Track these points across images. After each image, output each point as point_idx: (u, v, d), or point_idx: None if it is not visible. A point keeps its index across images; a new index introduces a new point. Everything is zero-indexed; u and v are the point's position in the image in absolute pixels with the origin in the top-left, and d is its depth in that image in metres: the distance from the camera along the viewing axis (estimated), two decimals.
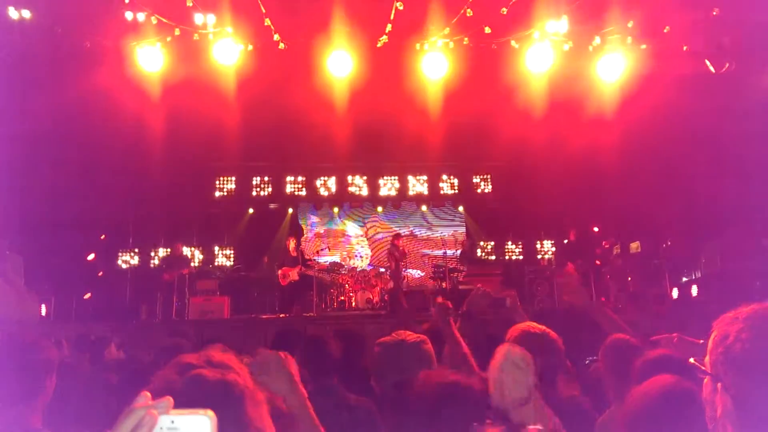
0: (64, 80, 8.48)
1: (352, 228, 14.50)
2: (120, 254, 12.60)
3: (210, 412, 0.83)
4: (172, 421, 0.80)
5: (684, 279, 11.14)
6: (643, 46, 8.58)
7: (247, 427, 1.03)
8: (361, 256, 14.27)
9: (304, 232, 14.24)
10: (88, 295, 10.62)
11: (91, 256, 11.46)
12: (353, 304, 11.81)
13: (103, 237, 11.75)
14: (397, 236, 11.40)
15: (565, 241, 12.65)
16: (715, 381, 1.17)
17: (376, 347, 2.16)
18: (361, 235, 14.50)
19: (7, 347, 2.23)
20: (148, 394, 0.83)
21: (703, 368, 1.21)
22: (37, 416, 2.08)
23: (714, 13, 8.09)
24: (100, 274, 11.59)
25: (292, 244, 10.81)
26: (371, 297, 11.77)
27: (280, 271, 10.56)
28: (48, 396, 2.19)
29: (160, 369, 1.10)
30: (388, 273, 12.70)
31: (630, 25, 8.27)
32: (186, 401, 0.89)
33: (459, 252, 12.27)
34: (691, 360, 1.28)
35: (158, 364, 2.99)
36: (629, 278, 11.50)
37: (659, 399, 1.63)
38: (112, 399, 2.00)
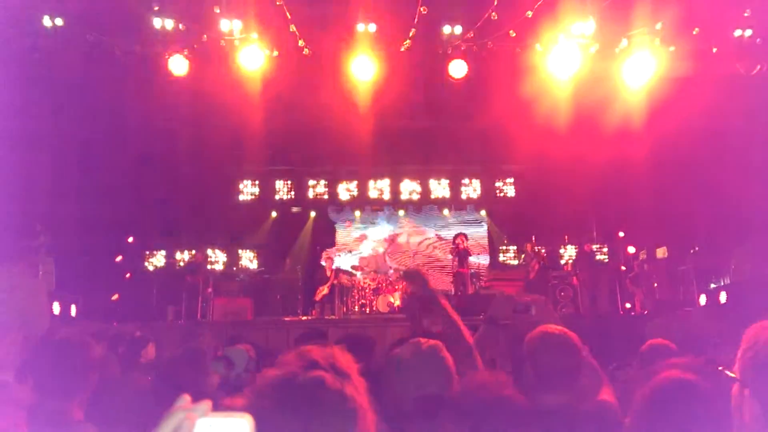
0: (94, 86, 8.69)
1: (373, 231, 14.53)
2: (146, 256, 12.82)
3: (247, 416, 0.82)
4: (210, 425, 0.81)
5: (712, 285, 10.88)
6: (672, 48, 8.44)
7: None
8: (382, 260, 14.28)
9: (334, 235, 14.35)
10: (115, 296, 10.82)
11: (118, 258, 11.68)
12: (375, 307, 11.82)
13: (130, 239, 11.98)
14: (459, 235, 11.39)
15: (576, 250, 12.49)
16: (743, 387, 1.17)
17: (389, 354, 2.13)
18: (385, 239, 14.52)
19: (53, 346, 2.30)
20: (188, 397, 0.84)
21: (732, 375, 1.21)
22: (78, 410, 2.15)
23: (746, 14, 7.92)
24: (128, 275, 11.80)
25: (328, 263, 11.41)
26: (393, 301, 11.77)
27: (318, 290, 11.33)
28: (89, 391, 2.25)
29: (188, 371, 1.10)
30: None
31: (658, 26, 8.14)
32: (301, 399, 0.95)
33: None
34: (720, 368, 1.27)
35: (183, 366, 3.04)
36: (655, 284, 11.30)
37: (654, 394, 1.64)
38: (148, 399, 2.05)
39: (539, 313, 2.73)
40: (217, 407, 0.84)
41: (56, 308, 8.07)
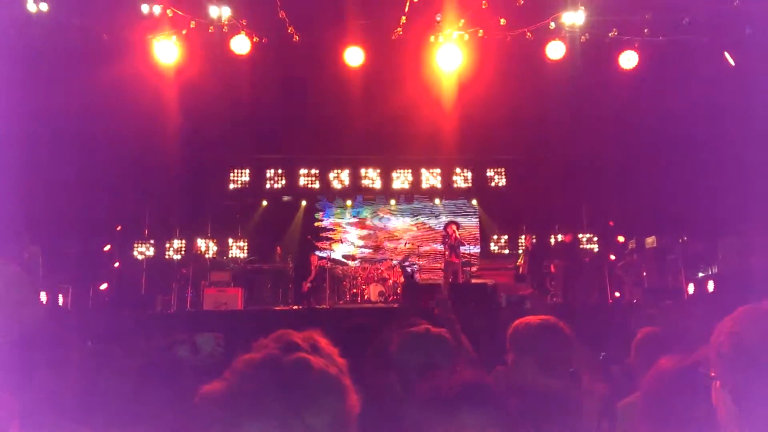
0: (81, 73, 8.56)
1: (366, 220, 14.53)
2: (135, 245, 12.73)
3: None
4: None
5: (700, 275, 10.99)
6: (661, 38, 8.44)
7: (346, 425, 1.03)
8: (375, 249, 14.29)
9: (320, 224, 14.33)
10: (104, 286, 10.75)
11: (107, 247, 11.59)
12: (366, 296, 11.84)
13: (119, 228, 11.88)
14: (450, 224, 11.37)
15: (559, 239, 12.52)
16: (715, 380, 1.18)
17: (397, 335, 2.18)
18: (379, 226, 14.52)
19: (31, 338, 2.28)
20: None
21: (711, 374, 1.22)
22: (60, 403, 2.11)
23: (735, 3, 7.92)
24: (116, 265, 11.72)
25: (312, 258, 11.67)
26: (384, 290, 11.79)
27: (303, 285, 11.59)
28: (69, 384, 2.22)
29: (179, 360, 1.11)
30: (404, 266, 12.71)
31: (648, 16, 8.14)
32: (287, 380, 0.94)
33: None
34: (701, 370, 1.29)
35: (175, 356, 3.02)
36: (644, 273, 11.40)
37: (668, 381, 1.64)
38: (136, 390, 2.04)
39: (533, 305, 2.76)
40: (191, 392, 0.84)
41: (43, 298, 8.01)
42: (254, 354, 1.04)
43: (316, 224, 14.28)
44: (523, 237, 12.35)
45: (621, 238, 12.13)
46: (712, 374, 1.21)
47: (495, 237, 14.10)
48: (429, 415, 1.45)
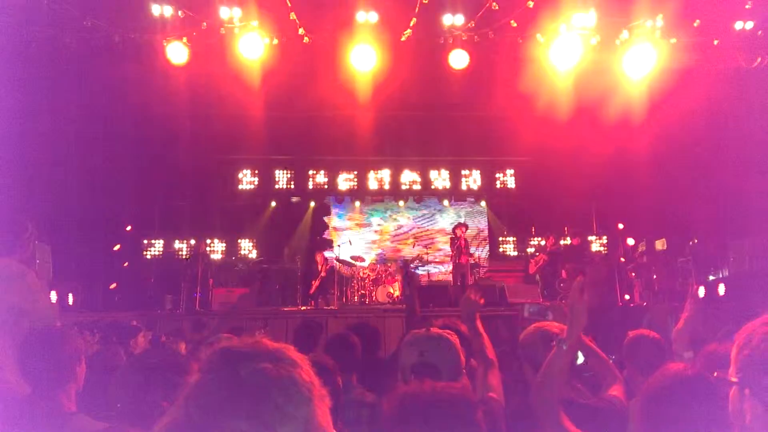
0: (92, 74, 8.62)
1: (375, 221, 14.52)
2: (145, 245, 12.80)
3: None
4: None
5: (711, 277, 10.89)
6: (673, 40, 8.38)
7: (317, 428, 0.96)
8: (383, 250, 14.29)
9: (328, 225, 14.34)
10: (113, 285, 10.82)
11: (116, 247, 11.66)
12: (374, 298, 11.83)
13: (128, 228, 11.95)
14: (458, 225, 11.33)
15: (565, 243, 12.41)
16: (743, 387, 1.14)
17: (406, 337, 2.18)
18: (384, 229, 14.51)
19: (39, 338, 2.30)
20: None
21: (731, 379, 1.19)
22: (71, 401, 2.14)
23: (747, 6, 7.87)
24: (126, 264, 11.78)
25: (319, 258, 11.53)
26: (392, 291, 11.77)
27: (312, 284, 11.53)
28: (79, 382, 2.26)
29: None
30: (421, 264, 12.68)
31: (659, 18, 8.09)
32: (249, 395, 0.89)
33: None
34: (715, 374, 1.25)
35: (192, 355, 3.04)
36: (654, 276, 11.31)
37: (672, 386, 1.63)
38: (142, 388, 2.06)
39: (555, 316, 2.77)
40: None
41: (53, 297, 8.08)
42: (206, 375, 0.95)
43: (324, 225, 14.30)
44: (552, 239, 12.22)
45: (631, 241, 12.05)
46: (736, 380, 1.17)
47: (504, 239, 14.05)
48: (398, 424, 1.44)
